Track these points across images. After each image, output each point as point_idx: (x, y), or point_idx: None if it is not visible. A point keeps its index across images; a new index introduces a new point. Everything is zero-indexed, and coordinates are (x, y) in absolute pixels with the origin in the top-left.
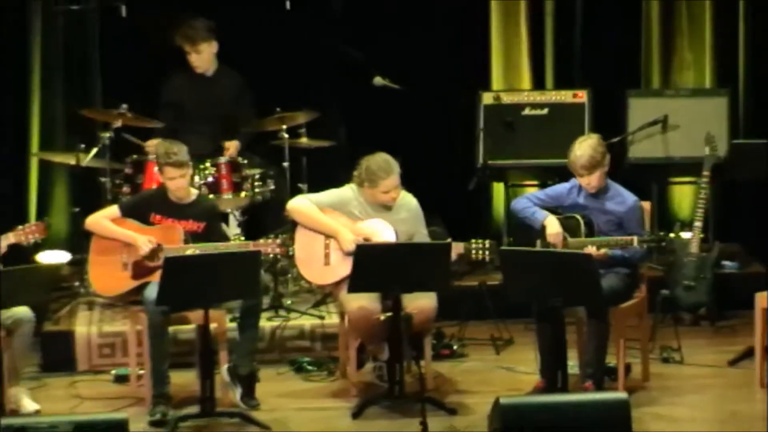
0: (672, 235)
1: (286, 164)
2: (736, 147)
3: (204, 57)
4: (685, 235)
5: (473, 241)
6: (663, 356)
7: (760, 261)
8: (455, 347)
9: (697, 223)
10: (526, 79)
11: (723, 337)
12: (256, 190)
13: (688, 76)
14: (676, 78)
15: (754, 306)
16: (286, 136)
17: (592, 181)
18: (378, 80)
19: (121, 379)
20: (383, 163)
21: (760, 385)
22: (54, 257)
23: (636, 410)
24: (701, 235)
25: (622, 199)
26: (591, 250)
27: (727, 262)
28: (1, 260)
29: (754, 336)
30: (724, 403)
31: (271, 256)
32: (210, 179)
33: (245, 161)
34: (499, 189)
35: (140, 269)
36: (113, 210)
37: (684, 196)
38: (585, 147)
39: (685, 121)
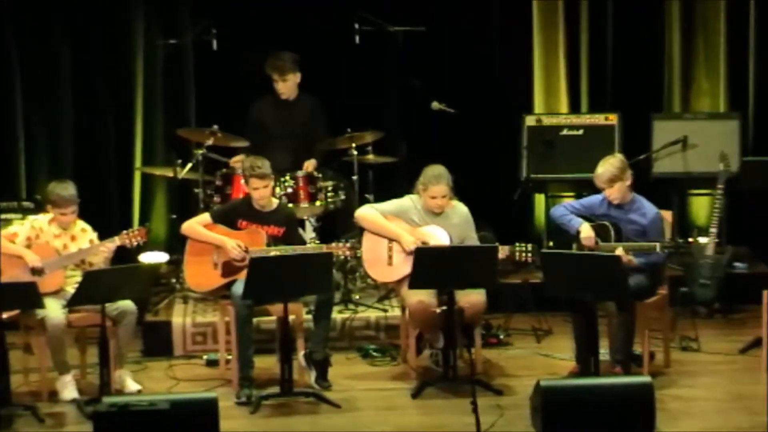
0: (690, 239)
1: (355, 177)
2: (746, 163)
3: (289, 85)
4: (702, 239)
5: (517, 244)
6: (682, 345)
7: (766, 262)
8: (501, 336)
9: (712, 229)
10: (563, 104)
11: (734, 328)
12: (329, 199)
13: (705, 101)
14: (695, 103)
15: (761, 301)
16: (355, 153)
17: (612, 193)
18: (435, 105)
19: (212, 363)
20: (437, 172)
21: (766, 370)
22: (154, 257)
23: (658, 392)
24: (716, 240)
25: (645, 211)
26: (620, 252)
27: (738, 263)
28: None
29: (762, 327)
30: (735, 385)
31: (342, 257)
32: (289, 190)
33: (320, 175)
34: (540, 199)
35: (229, 268)
36: (205, 217)
37: (701, 205)
38: (607, 165)
39: (702, 140)
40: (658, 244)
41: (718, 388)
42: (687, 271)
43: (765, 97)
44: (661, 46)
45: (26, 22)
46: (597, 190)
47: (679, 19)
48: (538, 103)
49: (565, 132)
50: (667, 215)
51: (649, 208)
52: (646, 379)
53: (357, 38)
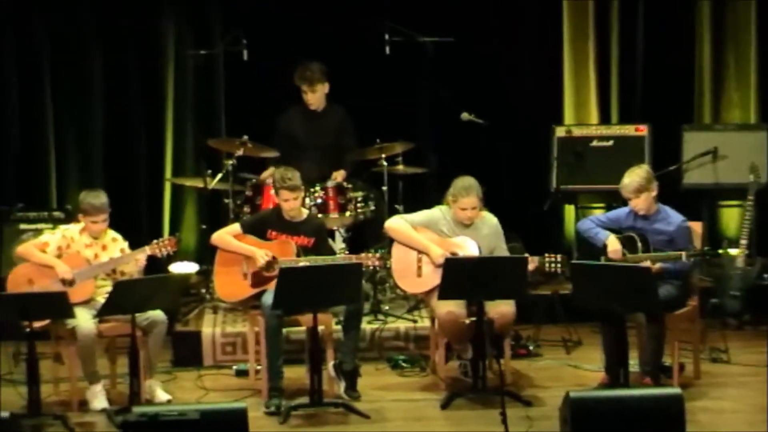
0: (720, 251)
1: (384, 188)
2: None
3: (318, 96)
4: (732, 251)
5: (547, 255)
6: (712, 356)
7: None
8: (531, 347)
9: (743, 241)
10: (594, 115)
11: (764, 340)
12: (359, 210)
13: (735, 113)
14: (725, 114)
15: None
16: (385, 163)
17: (639, 204)
18: (465, 115)
19: (241, 374)
20: (467, 183)
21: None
22: (184, 268)
23: (688, 403)
24: (746, 251)
25: (671, 220)
26: (648, 263)
27: None
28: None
29: None
30: (764, 397)
31: (372, 267)
32: (319, 201)
33: (349, 185)
34: (570, 210)
35: (258, 278)
36: (235, 227)
37: (731, 217)
38: (633, 175)
39: (732, 152)
40: (684, 253)
41: (748, 400)
42: (717, 282)
43: None
44: (691, 58)
45: (58, 33)
46: (625, 202)
47: (710, 30)
48: (568, 113)
49: (595, 143)
50: (697, 226)
51: (674, 216)
52: (676, 390)
53: (387, 48)
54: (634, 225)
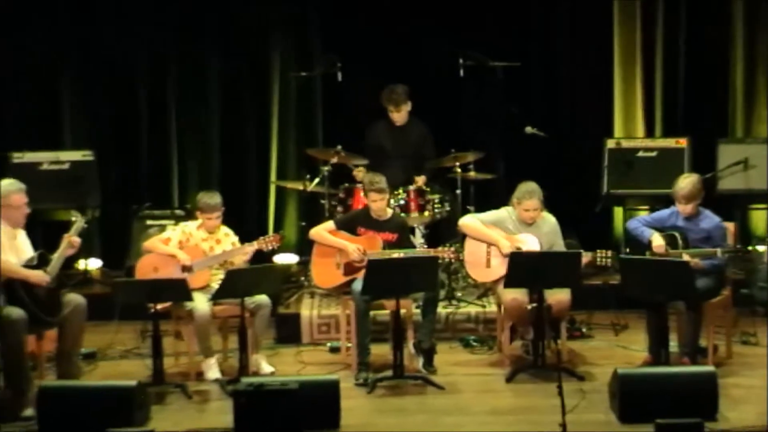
0: (750, 247)
1: (458, 191)
2: None
3: (402, 114)
4: (760, 247)
5: (599, 250)
6: (742, 339)
7: None
8: (584, 330)
9: None
10: (640, 129)
11: None
12: (436, 210)
13: (764, 128)
14: (755, 129)
15: None
16: (459, 170)
17: (687, 209)
18: (529, 129)
19: (335, 350)
20: (530, 188)
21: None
22: (286, 259)
23: (721, 380)
24: None
25: (710, 220)
26: (686, 258)
27: None
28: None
29: None
30: None
31: (447, 259)
32: (402, 202)
33: (428, 189)
34: (618, 212)
35: (350, 268)
36: (330, 224)
37: (760, 218)
38: (687, 182)
39: (760, 162)
40: (719, 249)
41: None
42: (747, 275)
43: None
44: (726, 80)
45: (182, 60)
46: (667, 204)
47: (743, 56)
48: (618, 128)
49: (641, 153)
50: (730, 226)
51: (712, 217)
52: (710, 369)
53: (461, 71)
54: (676, 224)
